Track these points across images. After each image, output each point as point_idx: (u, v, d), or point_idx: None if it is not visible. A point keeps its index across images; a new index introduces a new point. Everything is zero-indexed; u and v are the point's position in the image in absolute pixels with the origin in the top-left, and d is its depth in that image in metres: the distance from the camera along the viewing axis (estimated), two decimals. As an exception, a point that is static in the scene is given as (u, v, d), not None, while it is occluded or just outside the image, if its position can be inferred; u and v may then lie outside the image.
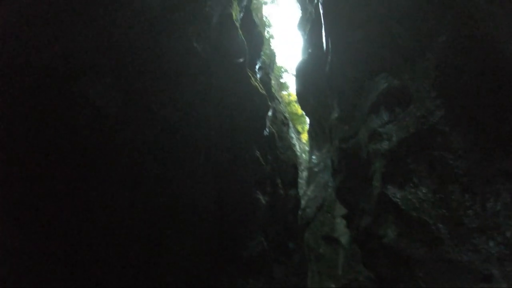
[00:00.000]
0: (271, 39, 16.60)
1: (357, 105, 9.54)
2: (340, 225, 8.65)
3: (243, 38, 10.09)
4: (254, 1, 12.85)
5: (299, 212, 10.56)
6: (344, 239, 8.48)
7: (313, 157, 13.04)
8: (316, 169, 11.87)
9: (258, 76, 11.70)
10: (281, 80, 17.63)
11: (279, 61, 18.29)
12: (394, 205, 6.79)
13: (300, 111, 17.42)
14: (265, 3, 18.41)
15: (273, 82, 14.36)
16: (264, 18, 16.55)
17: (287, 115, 14.91)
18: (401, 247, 6.43)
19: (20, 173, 6.61)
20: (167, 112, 8.09)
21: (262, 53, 12.72)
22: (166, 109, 8.14)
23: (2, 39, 6.63)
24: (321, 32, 11.55)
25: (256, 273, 8.72)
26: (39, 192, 6.69)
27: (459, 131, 6.63)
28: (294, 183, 11.50)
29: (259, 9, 15.15)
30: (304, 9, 15.10)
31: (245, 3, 11.39)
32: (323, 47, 11.52)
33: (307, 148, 15.02)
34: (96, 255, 7.11)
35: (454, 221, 5.93)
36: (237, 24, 10.17)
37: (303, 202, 10.89)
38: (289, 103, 17.17)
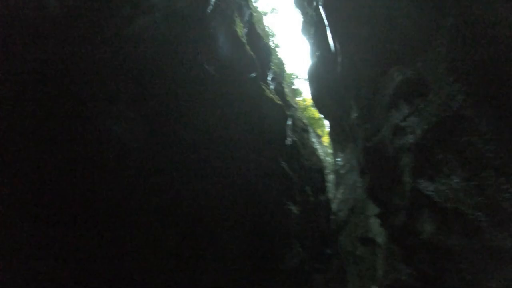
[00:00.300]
0: (277, 48, 16.73)
1: (375, 102, 9.45)
2: (375, 225, 8.50)
3: (251, 52, 10.20)
4: (255, 14, 12.97)
5: (332, 217, 10.45)
6: (380, 238, 8.30)
7: (338, 159, 12.92)
8: (342, 171, 11.75)
9: (272, 87, 11.77)
10: (294, 87, 17.64)
11: (288, 68, 18.38)
12: (427, 198, 6.62)
13: (317, 114, 17.34)
14: (265, 14, 18.61)
15: (286, 90, 14.40)
16: (267, 29, 16.69)
17: (305, 120, 14.88)
18: (440, 240, 6.25)
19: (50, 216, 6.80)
20: (190, 136, 8.24)
21: (271, 63, 12.81)
22: (189, 134, 8.29)
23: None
24: (326, 34, 11.54)
25: (296, 285, 8.65)
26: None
27: (484, 113, 6.41)
28: (323, 188, 11.44)
29: (261, 21, 15.29)
30: (304, 13, 15.13)
31: (247, 18, 11.52)
32: (330, 48, 11.50)
33: (330, 151, 14.90)
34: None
35: (491, 207, 5.72)
36: (244, 40, 10.29)
37: (334, 206, 10.79)
38: (305, 109, 17.14)
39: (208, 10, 9.41)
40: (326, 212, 10.49)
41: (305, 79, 15.84)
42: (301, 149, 11.94)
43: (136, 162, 7.42)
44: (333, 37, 10.98)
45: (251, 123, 9.59)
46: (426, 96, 7.42)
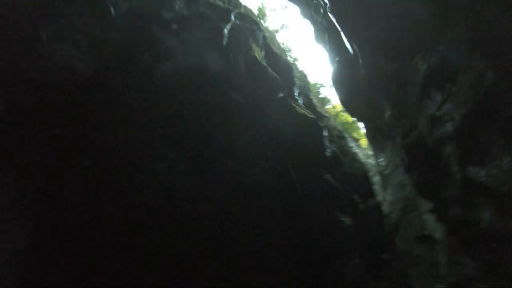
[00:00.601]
0: (296, 62, 16.89)
1: (406, 96, 9.24)
2: (430, 220, 8.14)
3: (273, 73, 10.39)
4: (267, 34, 13.22)
5: (384, 220, 10.18)
6: (438, 234, 7.93)
7: (380, 159, 12.63)
8: (387, 171, 11.45)
9: (300, 101, 11.86)
10: (321, 96, 17.58)
11: (312, 79, 18.48)
12: (480, 185, 6.33)
13: (349, 118, 17.10)
14: (277, 31, 18.91)
15: (315, 101, 14.39)
16: (282, 45, 16.93)
17: (339, 127, 14.73)
18: (501, 227, 5.91)
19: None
20: (233, 166, 8.41)
21: (295, 78, 12.91)
22: (230, 163, 8.46)
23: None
24: (341, 38, 11.52)
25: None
26: None
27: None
28: (371, 193, 11.21)
29: (274, 39, 15.53)
30: (314, 22, 15.17)
31: (261, 41, 11.77)
32: (349, 51, 11.45)
33: (370, 153, 14.58)
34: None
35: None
36: (264, 63, 10.52)
37: (385, 208, 10.51)
38: (337, 115, 16.97)
39: (224, 43, 9.75)
40: (377, 216, 10.23)
41: (330, 86, 15.73)
42: (342, 158, 11.81)
43: (181, 199, 7.64)
44: (348, 39, 10.94)
45: (289, 142, 9.66)
46: (455, 79, 7.18)
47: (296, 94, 11.97)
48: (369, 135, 14.79)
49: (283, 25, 21.94)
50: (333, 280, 8.41)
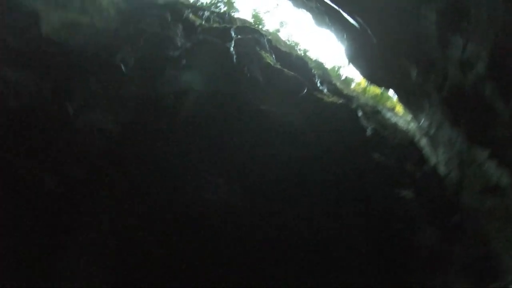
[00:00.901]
0: (307, 53, 16.82)
1: (426, 49, 8.95)
2: (491, 169, 7.70)
3: (291, 73, 10.45)
4: (271, 37, 13.30)
5: (445, 182, 9.78)
6: (504, 180, 7.46)
7: (421, 122, 12.19)
8: (432, 131, 10.99)
9: (325, 90, 11.76)
10: (343, 78, 17.34)
11: (328, 64, 18.31)
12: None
13: (377, 90, 16.73)
14: (278, 31, 18.97)
15: (338, 84, 14.22)
16: (288, 42, 16.93)
17: (371, 102, 14.42)
18: None
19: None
20: (281, 173, 8.50)
21: (312, 70, 12.84)
22: (277, 172, 8.54)
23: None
24: (342, 15, 11.36)
25: (438, 263, 8.14)
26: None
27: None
28: (422, 158, 10.86)
29: (279, 39, 15.55)
30: (309, 8, 14.89)
31: (267, 45, 11.87)
32: (354, 25, 11.27)
33: (409, 118, 14.10)
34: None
35: None
36: (279, 66, 10.59)
37: (442, 170, 10.08)
38: (364, 91, 16.63)
39: (234, 61, 9.93)
40: (436, 180, 9.84)
41: (348, 65, 15.50)
42: (384, 132, 11.57)
43: (237, 224, 7.78)
44: (350, 15, 10.80)
45: (327, 134, 9.60)
46: (469, 17, 6.87)
47: (318, 84, 11.89)
48: (403, 100, 14.32)
49: (281, 22, 21.94)
50: (409, 256, 8.20)
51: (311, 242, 8.01)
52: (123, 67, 8.88)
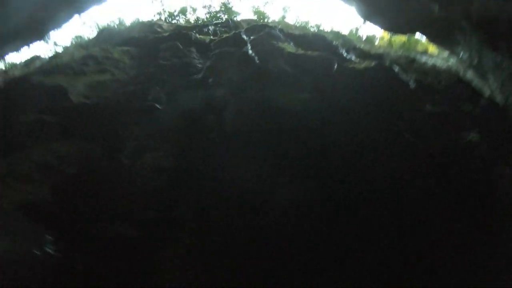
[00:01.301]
0: (321, 28, 16.46)
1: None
2: None
3: (314, 52, 10.34)
4: (281, 26, 13.15)
5: (505, 111, 9.19)
6: None
7: (460, 54, 11.51)
8: (474, 62, 10.33)
9: (353, 58, 11.41)
10: (364, 39, 16.80)
11: (345, 30, 17.87)
12: None
13: (403, 38, 16.05)
14: (284, 17, 18.91)
15: (363, 46, 13.76)
16: (298, 24, 16.72)
17: (401, 52, 13.81)
18: None
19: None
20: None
21: (333, 42, 12.53)
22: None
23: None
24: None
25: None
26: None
27: None
28: (474, 93, 10.28)
29: (288, 24, 15.39)
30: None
31: (281, 34, 11.73)
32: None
33: (445, 55, 13.36)
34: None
35: None
36: (301, 51, 10.45)
37: (499, 100, 9.44)
38: (390, 44, 15.99)
39: (258, 61, 9.83)
40: (497, 113, 9.23)
41: (364, 23, 14.95)
42: (426, 78, 11.09)
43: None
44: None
45: (372, 99, 9.25)
46: None
47: (344, 54, 11.52)
48: (433, 39, 13.60)
49: (284, 8, 21.64)
50: (490, 202, 7.73)
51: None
52: (157, 106, 9.04)
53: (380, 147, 8.64)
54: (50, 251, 7.11)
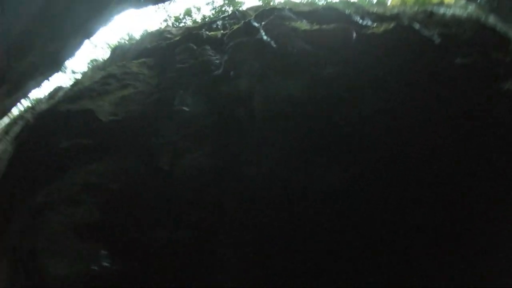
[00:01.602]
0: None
1: None
2: None
3: (330, 26, 10.06)
4: (287, 6, 12.86)
5: None
6: None
7: (480, 1, 10.98)
8: (495, 3, 9.85)
9: (369, 23, 10.98)
10: (375, 1, 16.26)
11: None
12: None
13: None
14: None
15: (376, 10, 13.23)
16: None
17: (416, 8, 13.24)
18: None
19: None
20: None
21: (345, 10, 12.16)
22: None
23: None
24: None
25: None
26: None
27: None
28: (502, 38, 9.75)
29: (296, 3, 15.10)
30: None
31: (291, 13, 11.47)
32: None
33: (462, 1, 12.74)
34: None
35: None
36: (316, 27, 10.20)
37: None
38: (403, 1, 15.36)
39: (274, 44, 9.66)
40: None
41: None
42: (449, 31, 10.53)
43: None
44: None
45: (399, 64, 8.98)
46: None
47: (359, 21, 11.11)
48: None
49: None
50: None
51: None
52: (185, 108, 9.05)
53: (415, 114, 8.34)
54: (107, 265, 7.34)
